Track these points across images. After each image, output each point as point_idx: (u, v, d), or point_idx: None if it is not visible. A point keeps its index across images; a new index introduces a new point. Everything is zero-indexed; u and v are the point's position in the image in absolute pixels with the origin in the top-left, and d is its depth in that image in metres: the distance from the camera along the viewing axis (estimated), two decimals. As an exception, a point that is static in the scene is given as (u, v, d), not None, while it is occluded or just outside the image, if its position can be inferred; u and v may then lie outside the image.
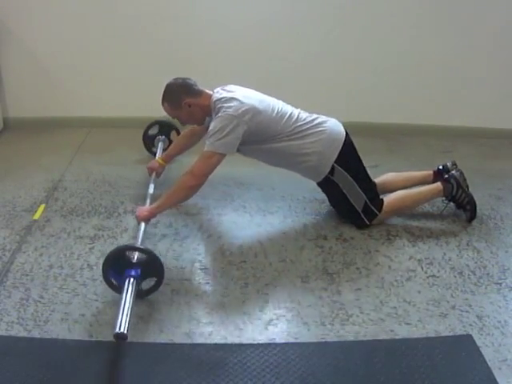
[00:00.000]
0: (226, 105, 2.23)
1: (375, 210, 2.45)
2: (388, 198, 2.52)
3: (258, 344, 1.78)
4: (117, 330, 1.61)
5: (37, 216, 2.51)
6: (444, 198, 2.58)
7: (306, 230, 2.49)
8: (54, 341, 1.74)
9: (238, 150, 2.35)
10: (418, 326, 1.89)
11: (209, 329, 1.84)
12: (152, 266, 1.91)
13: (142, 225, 2.18)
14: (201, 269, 2.18)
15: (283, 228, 2.50)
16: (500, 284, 2.14)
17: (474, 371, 1.70)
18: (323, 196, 2.68)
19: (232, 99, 2.24)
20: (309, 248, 2.35)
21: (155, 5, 3.35)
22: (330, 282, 2.12)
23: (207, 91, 2.38)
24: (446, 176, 2.57)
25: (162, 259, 2.21)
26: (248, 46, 3.48)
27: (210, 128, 2.24)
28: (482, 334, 1.85)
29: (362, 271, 2.20)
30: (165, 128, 3.14)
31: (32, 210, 2.56)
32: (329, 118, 2.46)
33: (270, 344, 1.78)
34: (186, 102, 2.33)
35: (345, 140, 2.40)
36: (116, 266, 1.88)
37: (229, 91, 2.34)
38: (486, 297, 2.05)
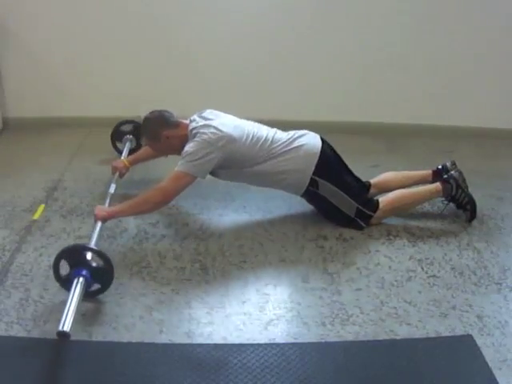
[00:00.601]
0: (201, 130, 2.29)
1: (369, 212, 2.45)
2: (386, 197, 2.52)
3: (258, 344, 1.78)
4: (59, 328, 1.62)
5: (36, 216, 2.51)
6: (443, 199, 2.58)
7: (306, 230, 2.49)
8: (54, 341, 1.74)
9: (215, 174, 2.41)
10: (418, 327, 1.88)
11: (209, 329, 1.84)
12: (105, 274, 1.91)
13: (99, 224, 2.16)
14: (201, 269, 2.18)
15: (283, 228, 2.50)
16: (500, 284, 2.13)
17: (475, 371, 1.70)
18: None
19: (208, 126, 2.29)
20: (309, 248, 2.34)
21: (155, 5, 3.35)
22: (330, 282, 2.11)
23: (184, 121, 2.43)
24: (445, 176, 2.57)
25: (162, 259, 2.22)
26: (247, 46, 3.48)
27: (185, 149, 2.27)
28: (482, 334, 1.84)
29: (362, 271, 2.20)
30: (138, 130, 3.09)
31: (32, 209, 2.56)
32: (305, 133, 2.47)
33: (270, 344, 1.78)
34: (164, 134, 2.37)
35: (321, 152, 2.39)
36: (70, 261, 1.88)
37: (206, 118, 2.38)
38: (486, 297, 2.05)
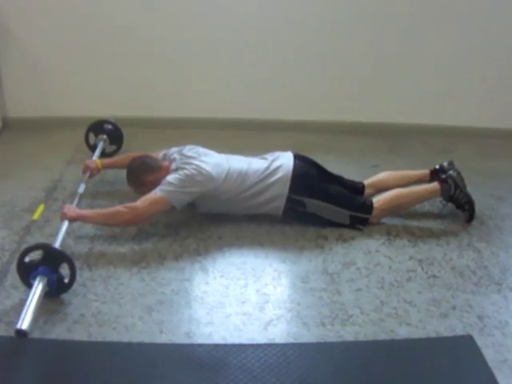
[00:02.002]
0: (182, 166, 2.35)
1: (364, 216, 2.46)
2: (383, 196, 2.52)
3: (258, 344, 1.78)
4: (18, 326, 1.67)
5: (36, 216, 2.51)
6: (442, 199, 2.57)
7: (306, 230, 2.48)
8: (53, 341, 1.74)
9: (193, 207, 2.46)
10: (418, 327, 1.88)
11: (209, 329, 1.84)
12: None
13: (66, 224, 2.17)
14: (201, 269, 2.18)
15: (283, 228, 2.49)
16: (501, 284, 2.13)
17: (475, 372, 1.70)
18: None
19: (190, 164, 2.35)
20: (309, 248, 2.34)
21: (155, 5, 3.35)
22: (330, 282, 2.11)
23: (165, 163, 2.48)
24: (444, 176, 2.56)
25: (162, 259, 2.22)
26: (243, 45, 3.47)
27: (166, 179, 2.31)
28: (482, 335, 1.84)
29: (362, 271, 2.20)
30: (116, 133, 3.11)
31: (31, 210, 2.56)
32: (279, 155, 2.50)
33: (269, 344, 1.78)
34: (147, 180, 2.41)
35: (293, 172, 2.40)
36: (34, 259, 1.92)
37: (186, 156, 2.42)
38: (486, 297, 2.05)
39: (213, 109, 3.56)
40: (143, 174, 2.43)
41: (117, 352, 1.73)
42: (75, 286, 2.02)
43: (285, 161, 2.46)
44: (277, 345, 1.78)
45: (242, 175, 2.40)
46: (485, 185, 2.95)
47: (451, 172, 2.55)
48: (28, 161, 3.13)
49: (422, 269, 2.22)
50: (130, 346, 1.75)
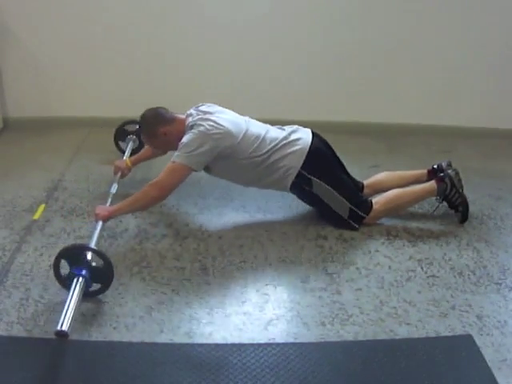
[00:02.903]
0: (198, 123, 2.29)
1: (362, 214, 2.45)
2: (381, 198, 2.52)
3: (258, 344, 1.78)
4: (58, 327, 1.63)
5: (37, 216, 2.51)
6: (437, 197, 2.55)
7: (306, 230, 2.49)
8: (53, 341, 1.74)
9: (207, 169, 2.41)
10: (417, 326, 1.89)
11: (209, 329, 1.85)
12: (104, 274, 1.91)
13: (100, 224, 2.16)
14: (201, 269, 2.18)
15: (283, 228, 2.50)
16: (500, 284, 2.14)
17: (474, 371, 1.70)
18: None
19: (206, 119, 2.30)
20: (309, 248, 2.35)
21: (155, 5, 3.35)
22: (330, 282, 2.12)
23: (180, 116, 2.43)
24: (441, 175, 2.55)
25: (162, 259, 2.22)
26: (245, 46, 3.48)
27: (181, 141, 2.28)
28: (481, 334, 1.85)
29: (362, 271, 2.20)
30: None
31: (32, 209, 2.56)
32: (297, 128, 2.48)
33: (269, 344, 1.78)
34: (161, 131, 2.38)
35: (311, 148, 2.38)
36: (71, 261, 1.89)
37: (203, 112, 2.38)
38: (485, 297, 2.05)
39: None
40: (156, 125, 2.38)
41: (117, 352, 1.74)
42: (75, 285, 2.03)
43: (304, 135, 2.43)
44: (277, 344, 1.78)
45: (259, 139, 2.36)
46: (484, 185, 2.96)
47: (449, 171, 2.55)
48: (28, 161, 3.13)
49: (422, 269, 2.22)
50: (130, 345, 1.75)
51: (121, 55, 3.47)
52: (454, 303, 2.01)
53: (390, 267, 2.23)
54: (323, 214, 2.52)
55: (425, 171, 2.68)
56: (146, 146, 2.80)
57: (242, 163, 2.36)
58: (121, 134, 3.17)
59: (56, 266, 1.90)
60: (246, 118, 2.46)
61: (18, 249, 2.25)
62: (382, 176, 2.69)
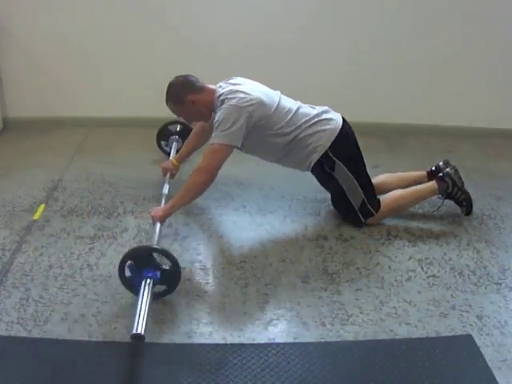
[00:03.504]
0: (229, 96, 2.23)
1: (371, 209, 2.45)
2: (384, 198, 2.51)
3: (258, 344, 1.78)
4: (133, 330, 1.62)
5: (37, 216, 2.51)
6: (439, 196, 2.57)
7: (306, 230, 2.49)
8: (53, 341, 1.74)
9: (241, 145, 2.33)
10: (417, 326, 1.89)
11: (209, 329, 1.85)
12: (172, 275, 1.92)
13: (158, 225, 2.17)
14: (201, 269, 2.18)
15: (283, 228, 2.50)
16: (500, 284, 2.14)
17: (474, 371, 1.70)
18: (323, 196, 2.68)
19: (236, 91, 2.24)
20: (309, 248, 2.35)
21: (155, 5, 3.35)
22: (330, 282, 2.12)
23: (210, 86, 2.37)
24: (441, 174, 2.56)
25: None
26: (248, 39, 3.48)
27: (215, 120, 2.23)
28: (481, 334, 1.85)
29: (362, 271, 2.20)
30: (185, 131, 3.07)
31: (32, 209, 2.56)
32: (329, 109, 2.48)
33: (269, 344, 1.78)
34: (189, 99, 2.32)
35: (341, 130, 2.39)
36: (137, 262, 1.87)
37: (233, 84, 2.33)
38: (485, 297, 2.05)
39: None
40: (185, 92, 2.32)
41: (117, 352, 1.73)
42: (76, 285, 2.03)
43: (335, 117, 2.44)
44: (277, 344, 1.78)
45: (291, 113, 2.34)
46: (485, 185, 2.96)
47: (448, 170, 2.57)
48: (28, 161, 3.13)
49: (422, 269, 2.22)
50: (130, 345, 1.75)
51: (121, 55, 3.47)
52: (454, 303, 2.01)
53: (389, 267, 2.23)
54: (336, 200, 2.52)
55: (424, 173, 2.69)
56: (186, 142, 2.81)
57: (274, 137, 2.32)
58: (163, 134, 3.15)
59: (121, 268, 1.89)
60: (277, 92, 2.43)
61: (18, 249, 2.25)
62: (382, 178, 2.69)
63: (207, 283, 2.09)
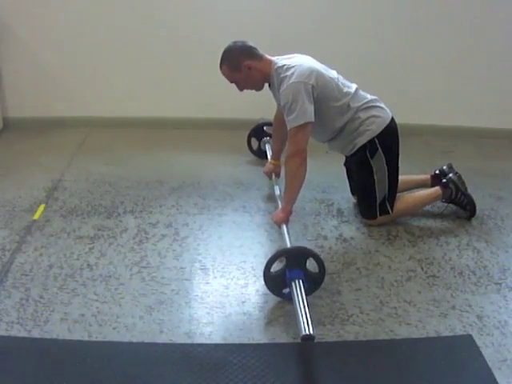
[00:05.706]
0: (288, 73, 2.20)
1: (388, 208, 2.47)
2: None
3: (258, 344, 1.78)
4: (303, 332, 1.64)
5: (36, 216, 2.51)
6: (443, 199, 2.60)
7: (306, 230, 2.49)
8: (53, 341, 1.74)
9: None
10: (418, 326, 1.89)
11: (209, 329, 1.84)
12: (317, 281, 1.96)
13: (284, 228, 2.20)
14: (201, 269, 2.18)
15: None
16: (500, 284, 2.14)
17: (474, 371, 1.70)
18: (323, 196, 2.68)
19: (294, 66, 2.22)
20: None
21: (154, 5, 3.35)
22: (330, 282, 2.11)
23: (268, 57, 2.34)
24: (445, 180, 2.58)
25: (162, 259, 2.22)
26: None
27: (283, 103, 2.21)
28: (482, 334, 1.85)
29: (362, 271, 2.20)
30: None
31: (32, 210, 2.56)
32: (380, 100, 2.49)
33: (269, 344, 1.78)
34: (245, 64, 2.28)
35: (391, 121, 2.41)
36: (291, 262, 1.90)
37: (289, 58, 2.32)
38: (486, 297, 2.05)
39: (214, 109, 3.57)
40: (242, 56, 2.27)
41: (117, 352, 1.73)
42: (75, 285, 2.03)
43: (386, 108, 2.46)
44: (277, 344, 1.78)
45: (352, 93, 2.34)
46: (485, 185, 2.96)
47: (451, 175, 2.59)
48: (28, 161, 3.13)
49: (422, 269, 2.22)
50: (130, 345, 1.75)
51: (121, 55, 3.47)
52: (454, 303, 2.01)
53: (389, 267, 2.23)
54: (362, 187, 2.52)
55: (428, 176, 2.71)
56: (273, 139, 2.82)
57: (334, 112, 2.32)
58: (257, 132, 3.16)
59: (268, 266, 1.91)
60: (335, 72, 2.42)
61: (18, 249, 2.25)
62: None
63: (207, 283, 2.09)
